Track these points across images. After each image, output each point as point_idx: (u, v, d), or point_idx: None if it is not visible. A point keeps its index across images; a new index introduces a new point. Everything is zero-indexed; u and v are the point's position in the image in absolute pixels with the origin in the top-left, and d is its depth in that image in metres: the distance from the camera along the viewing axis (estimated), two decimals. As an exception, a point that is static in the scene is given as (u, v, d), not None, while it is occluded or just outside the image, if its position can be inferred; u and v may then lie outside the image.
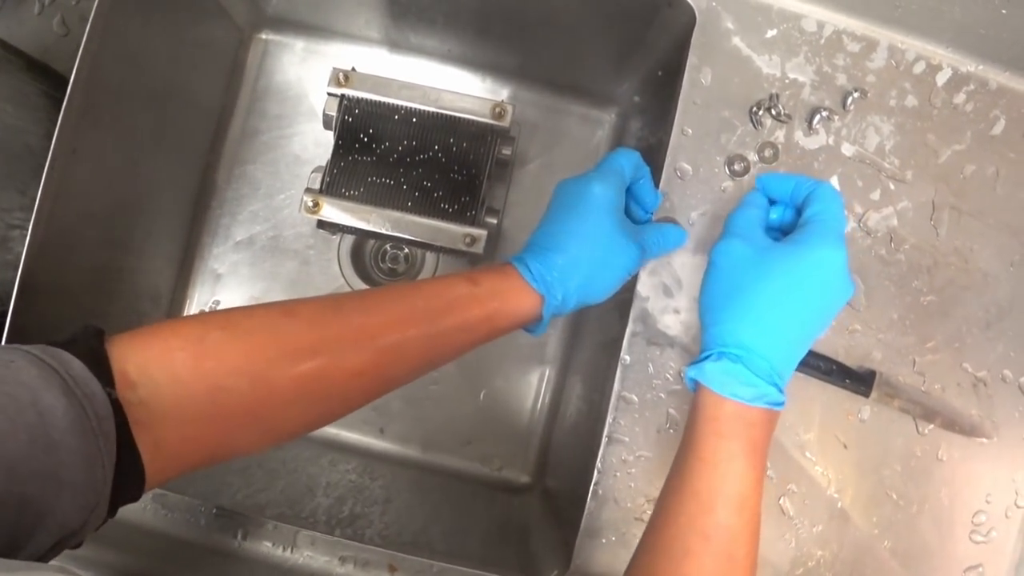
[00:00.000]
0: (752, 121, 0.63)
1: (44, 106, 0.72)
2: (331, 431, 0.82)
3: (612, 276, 0.54)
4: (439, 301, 0.49)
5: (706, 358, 0.49)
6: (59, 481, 0.34)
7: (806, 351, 0.50)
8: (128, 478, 0.38)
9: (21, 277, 0.60)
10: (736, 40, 0.64)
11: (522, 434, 0.82)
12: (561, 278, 0.51)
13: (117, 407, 0.38)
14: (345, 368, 0.45)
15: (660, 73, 0.70)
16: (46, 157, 0.68)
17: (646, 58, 0.73)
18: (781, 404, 0.47)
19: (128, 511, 0.61)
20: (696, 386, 0.50)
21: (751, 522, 0.46)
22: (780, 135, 0.63)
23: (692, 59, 0.63)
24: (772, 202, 0.56)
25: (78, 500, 0.35)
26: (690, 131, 0.63)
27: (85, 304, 0.69)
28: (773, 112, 0.63)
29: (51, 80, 0.73)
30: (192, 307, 0.85)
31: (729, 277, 0.50)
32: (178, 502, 0.61)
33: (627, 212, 0.59)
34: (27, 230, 0.67)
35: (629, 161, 0.56)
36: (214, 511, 0.60)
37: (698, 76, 0.63)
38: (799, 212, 0.53)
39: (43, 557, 0.35)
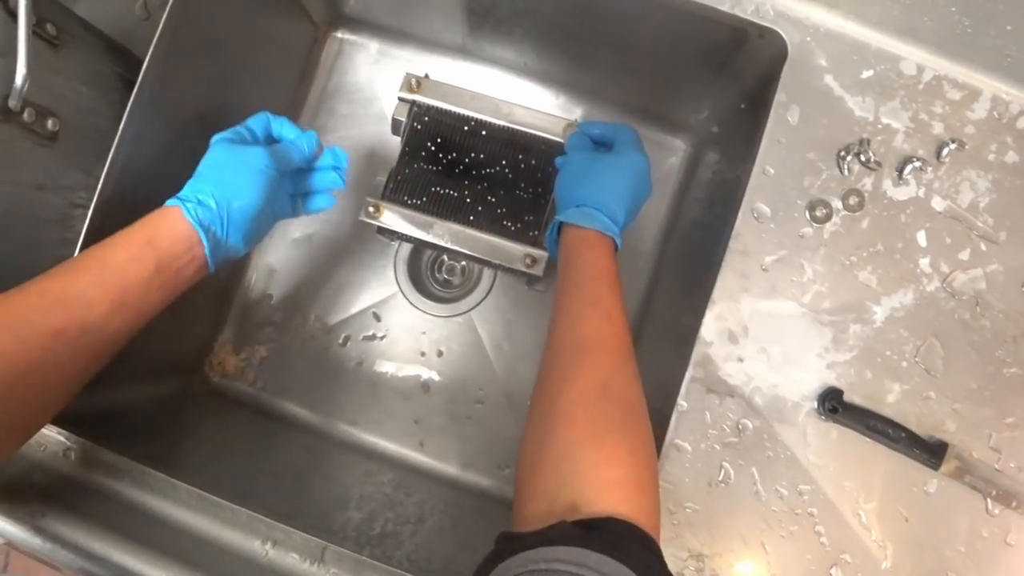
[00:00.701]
0: (839, 166, 0.60)
1: (117, 88, 0.72)
2: (371, 439, 0.81)
3: (250, 185, 0.60)
4: (103, 246, 0.53)
5: (568, 208, 0.64)
6: None
7: (637, 206, 0.65)
8: None
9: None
10: (829, 79, 0.60)
11: (563, 463, 0.80)
12: (200, 192, 0.58)
13: None
14: (44, 333, 0.48)
15: (743, 106, 0.67)
16: (113, 139, 0.68)
17: (729, 89, 0.70)
18: (615, 233, 0.62)
19: (160, 506, 0.61)
20: (559, 233, 0.64)
21: (618, 291, 0.58)
22: (867, 183, 0.60)
23: (780, 95, 0.59)
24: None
25: None
26: (772, 171, 0.60)
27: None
28: (862, 158, 0.59)
29: (128, 63, 0.73)
30: (246, 299, 0.84)
31: (576, 171, 0.66)
32: (207, 503, 0.60)
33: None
34: (88, 210, 0.67)
35: (256, 119, 0.65)
36: (243, 516, 0.59)
37: (785, 113, 0.60)
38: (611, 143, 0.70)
39: None
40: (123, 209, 0.63)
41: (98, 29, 0.72)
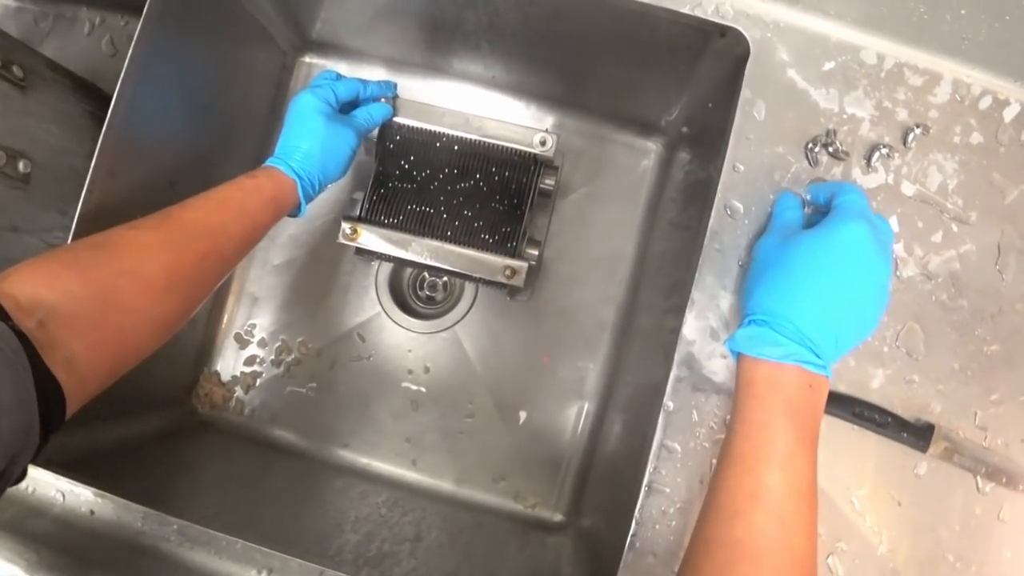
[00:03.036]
0: (808, 158, 0.60)
1: (89, 127, 0.72)
2: (363, 460, 0.81)
3: (339, 155, 0.68)
4: (239, 191, 0.62)
5: (738, 328, 0.51)
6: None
7: (855, 326, 0.49)
8: (50, 404, 0.42)
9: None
10: (792, 73, 0.61)
11: (557, 472, 0.80)
12: (302, 166, 0.66)
13: (22, 338, 0.41)
14: (195, 252, 0.56)
15: (710, 105, 0.68)
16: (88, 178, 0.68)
17: (696, 89, 0.70)
18: (816, 366, 0.47)
19: (155, 542, 0.60)
20: (737, 358, 0.51)
21: (800, 481, 0.46)
22: (837, 172, 0.60)
23: (745, 92, 0.60)
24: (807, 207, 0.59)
25: (14, 422, 0.39)
26: (742, 168, 0.60)
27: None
28: (830, 149, 0.60)
29: (98, 100, 0.73)
30: (229, 329, 0.84)
31: (763, 262, 0.53)
32: (203, 535, 0.59)
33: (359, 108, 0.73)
34: (66, 251, 0.67)
35: (345, 85, 0.71)
36: (239, 546, 0.59)
37: (751, 110, 0.60)
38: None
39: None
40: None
41: (65, 68, 0.73)
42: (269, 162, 0.67)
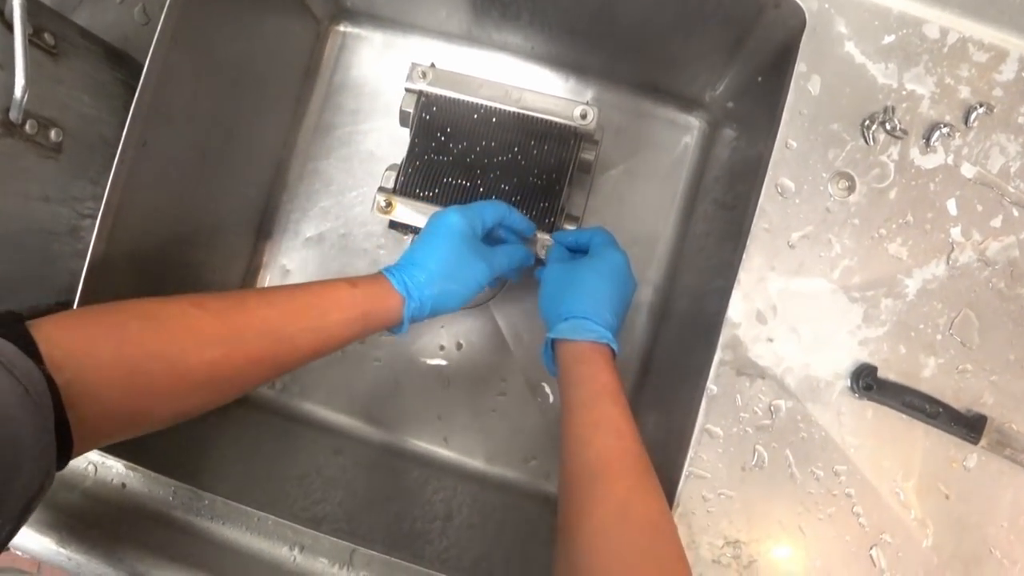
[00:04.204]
0: (864, 136, 0.58)
1: (121, 95, 0.70)
2: (394, 437, 0.80)
3: (463, 288, 0.64)
4: (325, 300, 0.57)
5: (558, 324, 0.63)
6: (18, 448, 0.38)
7: (623, 306, 0.66)
8: (60, 449, 0.43)
9: (87, 269, 0.59)
10: (849, 46, 0.58)
11: (590, 453, 0.78)
12: (419, 287, 0.61)
13: (51, 384, 0.41)
14: (247, 355, 0.52)
15: (760, 79, 0.65)
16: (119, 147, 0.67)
17: (745, 62, 0.68)
18: (609, 339, 0.61)
19: (187, 516, 0.60)
20: (553, 349, 0.64)
21: (625, 411, 0.56)
22: (894, 152, 0.58)
23: (800, 66, 0.58)
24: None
25: (35, 465, 0.39)
26: (794, 144, 0.58)
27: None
28: (887, 127, 0.58)
29: (130, 69, 0.72)
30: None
31: (558, 282, 0.66)
32: (234, 511, 0.59)
33: (497, 240, 0.70)
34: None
35: (494, 210, 0.67)
36: (270, 523, 0.58)
37: (806, 84, 0.58)
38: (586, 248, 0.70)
39: (18, 519, 0.39)
40: (132, 221, 0.62)
41: (97, 36, 0.71)
42: (385, 271, 0.62)
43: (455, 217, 0.63)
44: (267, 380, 0.56)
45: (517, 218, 0.68)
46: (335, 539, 0.57)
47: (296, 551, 0.59)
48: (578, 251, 0.71)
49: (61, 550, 0.57)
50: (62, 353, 0.43)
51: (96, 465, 0.61)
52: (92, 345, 0.45)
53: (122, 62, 0.72)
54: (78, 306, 0.58)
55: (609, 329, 0.62)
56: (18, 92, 0.57)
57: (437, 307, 0.63)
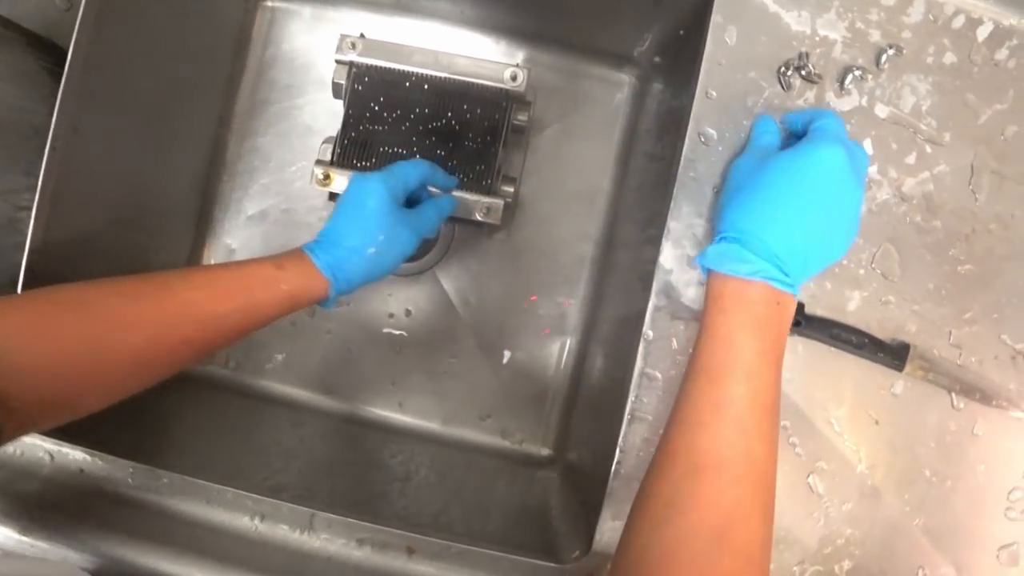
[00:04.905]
0: (780, 82, 0.60)
1: (48, 83, 0.70)
2: (349, 406, 0.81)
3: (389, 259, 0.62)
4: (251, 280, 0.56)
5: (709, 245, 0.52)
6: None
7: (823, 248, 0.50)
8: None
9: (27, 260, 0.59)
10: (763, -4, 0.60)
11: (543, 407, 0.81)
12: (344, 269, 0.59)
13: None
14: (174, 338, 0.52)
15: (681, 32, 0.67)
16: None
17: (667, 16, 0.69)
18: (783, 283, 0.48)
19: (146, 495, 0.61)
20: (707, 275, 0.52)
21: (762, 395, 0.47)
22: (810, 96, 0.60)
23: (716, 17, 0.59)
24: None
25: None
26: (715, 94, 0.60)
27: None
28: (803, 72, 0.60)
29: (55, 56, 0.71)
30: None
31: (737, 182, 0.54)
32: (193, 486, 0.60)
33: (416, 199, 0.68)
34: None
35: (417, 170, 0.65)
36: (229, 495, 0.60)
37: (722, 35, 0.60)
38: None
39: None
40: (70, 209, 0.62)
41: (17, 24, 0.70)
42: (307, 248, 0.59)
43: (376, 184, 0.61)
44: (198, 360, 0.56)
45: (440, 176, 0.68)
46: (294, 505, 0.59)
47: (257, 520, 0.60)
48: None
49: (23, 538, 0.57)
50: None
51: (52, 453, 0.62)
52: (15, 334, 0.45)
53: (46, 49, 0.71)
54: (19, 297, 0.58)
55: (775, 261, 0.48)
56: (-62, 86, 0.56)
57: (365, 281, 0.61)
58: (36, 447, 0.62)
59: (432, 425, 0.80)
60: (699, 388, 0.48)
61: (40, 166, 0.65)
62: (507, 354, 0.81)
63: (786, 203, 0.49)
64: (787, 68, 0.60)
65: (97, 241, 0.68)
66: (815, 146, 0.49)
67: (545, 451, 0.80)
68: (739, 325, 0.48)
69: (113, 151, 0.67)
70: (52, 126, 0.60)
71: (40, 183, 0.60)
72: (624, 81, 0.81)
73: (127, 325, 0.50)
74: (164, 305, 0.52)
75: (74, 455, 0.62)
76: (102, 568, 0.58)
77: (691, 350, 0.51)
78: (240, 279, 0.55)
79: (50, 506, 0.60)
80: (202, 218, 0.82)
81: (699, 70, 0.59)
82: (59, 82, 0.69)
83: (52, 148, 0.60)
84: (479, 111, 0.72)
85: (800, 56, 0.60)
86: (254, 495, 0.59)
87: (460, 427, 0.81)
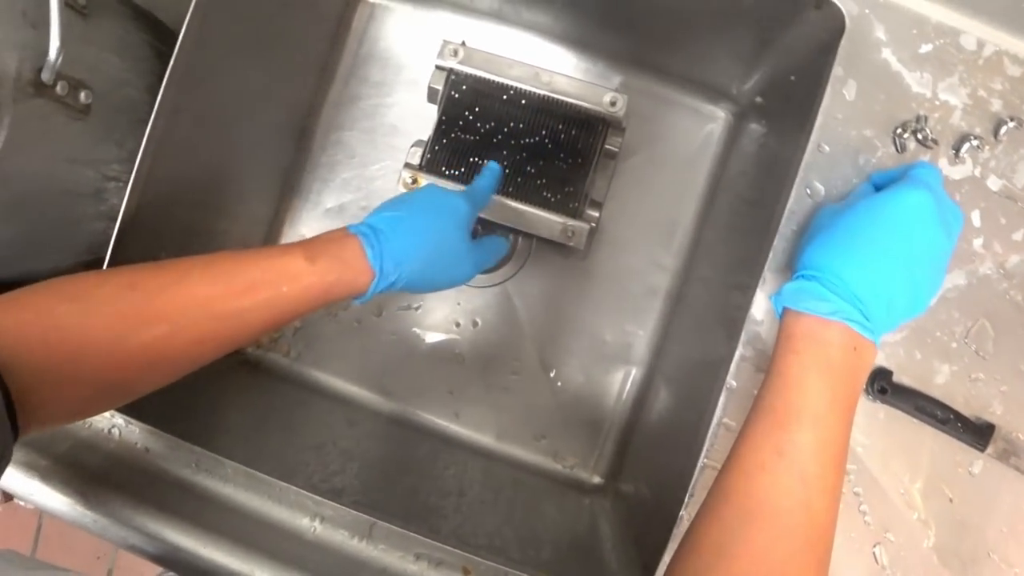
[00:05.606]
0: (895, 143, 0.58)
1: (148, 57, 0.70)
2: (405, 409, 0.81)
3: (443, 282, 0.59)
4: (280, 275, 0.50)
5: (793, 279, 0.50)
6: None
7: (908, 295, 0.48)
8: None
9: (117, 235, 0.59)
10: (887, 53, 0.59)
11: (598, 434, 0.80)
12: (397, 267, 0.54)
13: None
14: (188, 336, 0.48)
15: (792, 78, 0.65)
16: (146, 111, 0.67)
17: (778, 59, 0.68)
18: (864, 327, 0.46)
19: (210, 484, 0.61)
20: (781, 315, 0.50)
21: (830, 443, 0.45)
22: (924, 161, 0.58)
23: (837, 70, 0.58)
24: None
25: None
26: (827, 148, 0.58)
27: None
28: (919, 135, 0.58)
29: (157, 31, 0.71)
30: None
31: (819, 223, 0.52)
32: (257, 480, 0.60)
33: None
34: (122, 183, 0.66)
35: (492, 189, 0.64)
36: (292, 494, 0.60)
37: (841, 89, 0.58)
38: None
39: None
40: (160, 188, 0.62)
41: (126, -3, 0.70)
42: (359, 234, 0.53)
43: (463, 206, 0.58)
44: (216, 357, 0.51)
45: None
46: (356, 512, 0.58)
47: (317, 522, 0.60)
48: None
49: (86, 512, 0.58)
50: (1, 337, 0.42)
51: (120, 429, 0.62)
52: (21, 332, 0.43)
53: (149, 23, 0.71)
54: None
55: (855, 303, 0.46)
56: (52, 53, 0.56)
57: (408, 288, 0.56)
58: (104, 421, 0.62)
59: (486, 439, 0.80)
60: (762, 430, 0.46)
61: (131, 139, 0.66)
62: (568, 376, 0.81)
63: (869, 243, 0.47)
64: (903, 129, 0.58)
65: (180, 221, 0.68)
66: (903, 189, 0.48)
67: (596, 479, 0.79)
68: (811, 367, 0.46)
69: (205, 133, 0.67)
70: (156, 105, 0.60)
71: (138, 160, 0.60)
72: (718, 116, 0.80)
73: (136, 322, 0.46)
74: (177, 301, 0.48)
75: (140, 433, 0.62)
76: (157, 551, 0.58)
77: (759, 390, 0.49)
78: (265, 271, 0.50)
79: (112, 482, 0.60)
80: (281, 206, 0.82)
81: (814, 121, 0.58)
82: (157, 56, 0.69)
83: (153, 127, 0.60)
84: (574, 132, 0.71)
85: (918, 119, 0.58)
86: (316, 496, 0.59)
87: (513, 444, 0.80)
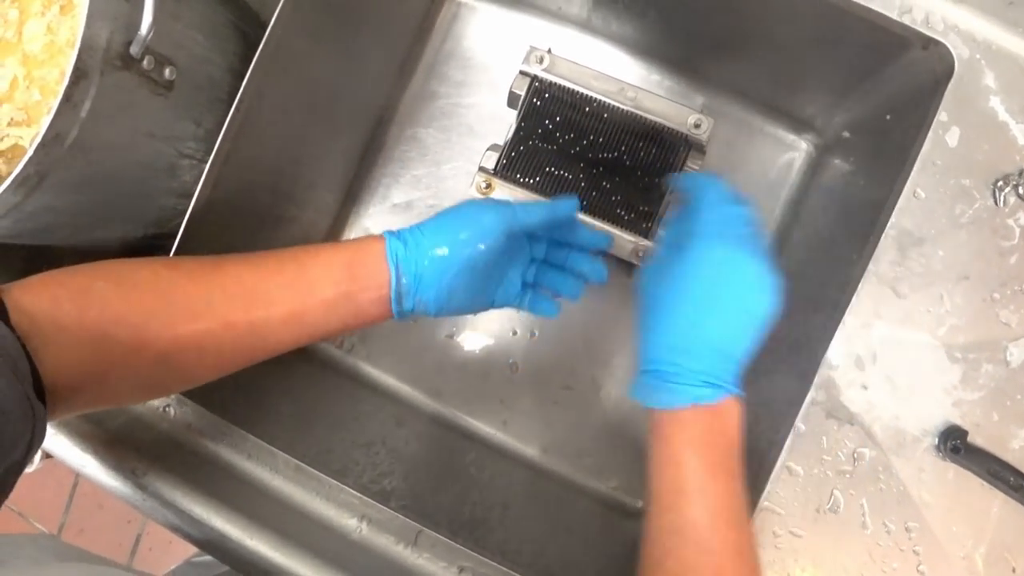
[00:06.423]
0: (994, 196, 0.56)
1: (230, 37, 0.70)
2: (453, 413, 0.80)
3: (455, 309, 0.56)
4: (311, 284, 0.51)
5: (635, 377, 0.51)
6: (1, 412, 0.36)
7: (736, 338, 0.49)
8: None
9: (190, 214, 0.59)
10: (995, 101, 0.57)
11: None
12: (424, 302, 0.54)
13: (25, 351, 0.40)
14: (223, 322, 0.48)
15: (888, 117, 0.63)
16: (225, 90, 0.66)
17: (873, 95, 0.66)
18: (713, 394, 0.47)
19: (262, 476, 0.61)
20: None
21: (721, 510, 0.46)
22: (1022, 217, 0.56)
23: (941, 114, 0.56)
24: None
25: (16, 429, 0.37)
26: (922, 194, 0.56)
27: (241, 249, 0.67)
28: (1020, 190, 0.56)
29: (240, 11, 0.71)
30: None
31: (646, 295, 0.52)
32: (308, 476, 0.60)
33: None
34: (196, 160, 0.66)
35: (542, 217, 0.57)
36: (342, 493, 0.59)
37: (943, 135, 0.56)
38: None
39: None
40: (236, 171, 0.62)
41: (207, -29, 0.70)
42: (393, 261, 0.53)
43: (495, 221, 0.54)
44: (247, 357, 0.51)
45: (584, 234, 0.61)
46: (404, 517, 0.58)
47: (364, 523, 0.59)
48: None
49: (137, 492, 0.58)
50: (28, 320, 0.41)
51: (175, 409, 0.62)
52: (55, 310, 0.43)
53: (233, 3, 0.71)
54: (176, 252, 0.58)
55: (696, 379, 0.47)
56: (144, 28, 0.56)
57: (433, 274, 0.54)
58: (157, 400, 0.62)
59: (531, 451, 0.79)
60: (657, 515, 0.47)
61: (209, 117, 0.65)
62: (620, 398, 0.79)
63: (690, 321, 0.48)
64: (1004, 183, 0.56)
65: (250, 204, 0.68)
66: (692, 256, 0.49)
67: (639, 503, 0.78)
68: (683, 446, 0.47)
69: (284, 120, 0.67)
70: (242, 88, 0.60)
71: (218, 142, 0.60)
72: (800, 147, 0.78)
73: (173, 309, 0.47)
74: (218, 276, 0.49)
75: (195, 416, 0.62)
76: (201, 536, 0.58)
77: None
78: (298, 293, 0.50)
79: (164, 463, 0.60)
80: (348, 197, 0.82)
81: (912, 166, 0.56)
82: (240, 37, 0.69)
83: (236, 110, 0.60)
84: (654, 151, 0.70)
85: (1021, 173, 0.56)
86: (365, 497, 0.58)
87: (558, 459, 0.79)
